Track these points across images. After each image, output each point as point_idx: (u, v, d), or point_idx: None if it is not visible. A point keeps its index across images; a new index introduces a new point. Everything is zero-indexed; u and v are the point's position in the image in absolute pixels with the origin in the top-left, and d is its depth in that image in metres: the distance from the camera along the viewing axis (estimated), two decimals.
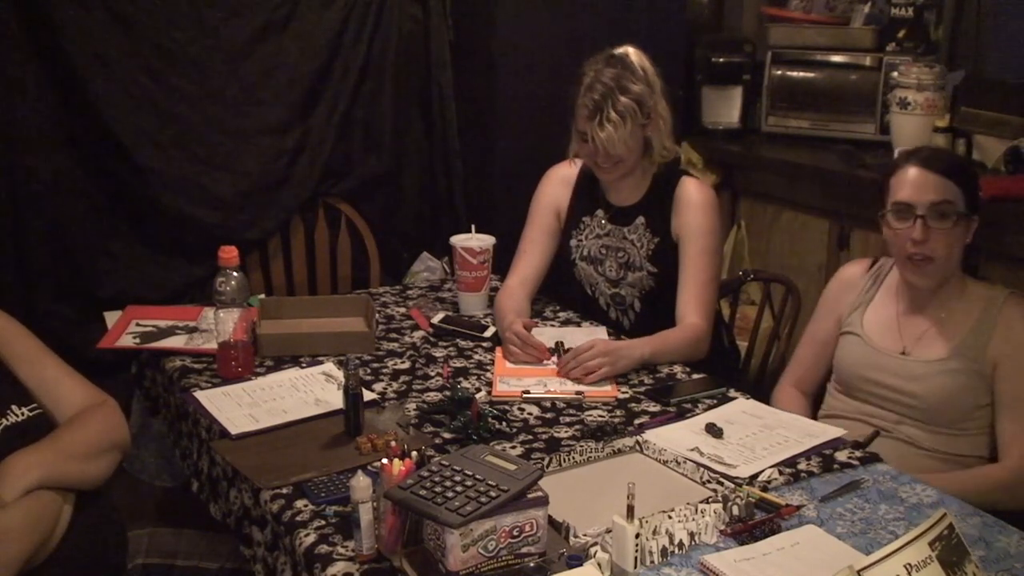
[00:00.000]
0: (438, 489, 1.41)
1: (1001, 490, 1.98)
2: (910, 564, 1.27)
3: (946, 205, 2.04)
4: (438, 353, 2.35)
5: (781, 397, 2.33)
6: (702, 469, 1.80)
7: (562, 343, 2.27)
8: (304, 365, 2.25)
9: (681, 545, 1.53)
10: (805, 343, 2.39)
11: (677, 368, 2.27)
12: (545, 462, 1.82)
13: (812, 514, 1.66)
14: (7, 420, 1.82)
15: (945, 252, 2.07)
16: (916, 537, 1.30)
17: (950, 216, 2.04)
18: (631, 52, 2.39)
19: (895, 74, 3.26)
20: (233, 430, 1.93)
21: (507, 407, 2.04)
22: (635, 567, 1.44)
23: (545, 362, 2.26)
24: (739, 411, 2.04)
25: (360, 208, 3.32)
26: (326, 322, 2.48)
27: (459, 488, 1.41)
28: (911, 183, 2.07)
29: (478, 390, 2.11)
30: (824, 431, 1.95)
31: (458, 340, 2.43)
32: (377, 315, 2.54)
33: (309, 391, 2.11)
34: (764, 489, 1.71)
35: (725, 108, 3.77)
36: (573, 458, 1.86)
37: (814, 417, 2.20)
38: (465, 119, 3.40)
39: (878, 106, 3.46)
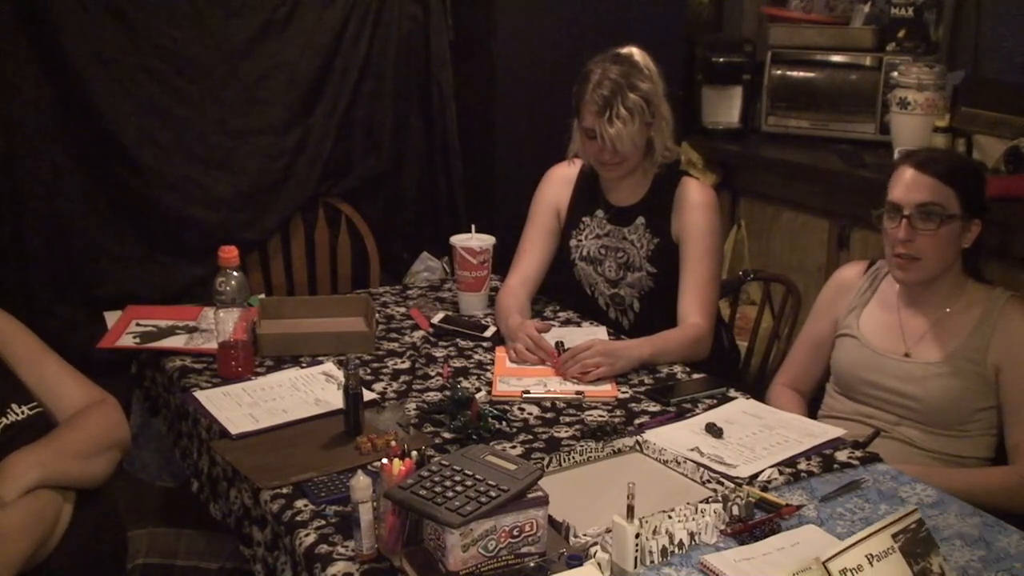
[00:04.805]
0: (438, 489, 1.41)
1: (1006, 493, 1.97)
2: (871, 554, 1.32)
3: (933, 207, 2.05)
4: (438, 353, 2.35)
5: (775, 395, 2.34)
6: (702, 469, 1.80)
7: (562, 343, 2.27)
8: (304, 365, 2.25)
9: (681, 545, 1.53)
10: (800, 344, 2.39)
11: (677, 368, 2.27)
12: (545, 462, 1.82)
13: (812, 514, 1.66)
14: (7, 419, 1.82)
15: (932, 253, 2.07)
16: (880, 529, 1.35)
17: (935, 218, 2.04)
18: (636, 52, 2.40)
19: (895, 74, 3.26)
20: (233, 430, 1.92)
21: (507, 407, 2.04)
22: (635, 567, 1.44)
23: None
24: (739, 411, 2.04)
25: (360, 208, 3.32)
26: (326, 322, 2.47)
27: (459, 488, 1.41)
28: (903, 184, 2.09)
29: (478, 390, 2.11)
30: (824, 431, 1.95)
31: (458, 340, 2.43)
32: (377, 315, 2.54)
33: (309, 391, 2.11)
34: (764, 489, 1.71)
35: (725, 108, 3.77)
36: (573, 458, 1.86)
37: (810, 415, 2.20)
38: (465, 119, 3.41)
39: (878, 106, 3.46)
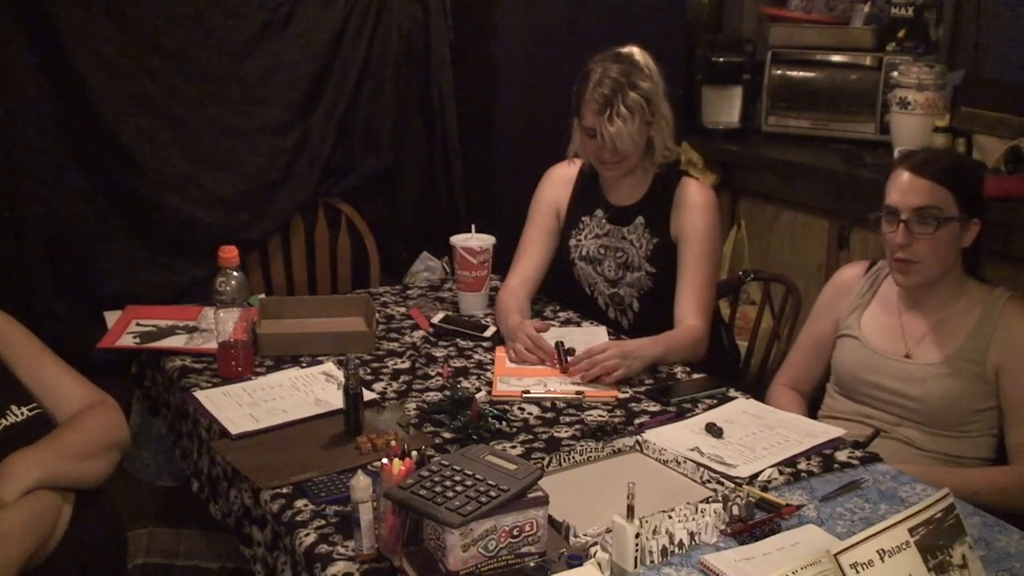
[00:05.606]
0: (438, 489, 1.41)
1: (1006, 493, 1.97)
2: (883, 550, 1.31)
3: (930, 210, 2.04)
4: (438, 353, 2.35)
5: (775, 395, 2.34)
6: (702, 469, 1.80)
7: (562, 343, 2.27)
8: (304, 365, 2.25)
9: (681, 545, 1.53)
10: (800, 345, 2.38)
11: (677, 368, 2.27)
12: (545, 462, 1.82)
13: (812, 514, 1.66)
14: (6, 420, 1.82)
15: (931, 256, 2.06)
16: (895, 523, 1.33)
17: (932, 221, 2.04)
18: (636, 51, 2.40)
19: (895, 74, 3.26)
20: (233, 430, 1.92)
21: (507, 407, 2.04)
22: (635, 567, 1.44)
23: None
24: (739, 411, 2.04)
25: (360, 208, 3.32)
26: (326, 322, 2.48)
27: (459, 488, 1.41)
28: (899, 187, 2.08)
29: (478, 390, 2.11)
30: (824, 431, 1.95)
31: (458, 340, 2.43)
32: (377, 315, 2.54)
33: (309, 391, 2.11)
34: (764, 489, 1.71)
35: (725, 108, 3.77)
36: (573, 458, 1.86)
37: (810, 415, 2.20)
38: (465, 119, 3.40)
39: (878, 106, 3.46)
